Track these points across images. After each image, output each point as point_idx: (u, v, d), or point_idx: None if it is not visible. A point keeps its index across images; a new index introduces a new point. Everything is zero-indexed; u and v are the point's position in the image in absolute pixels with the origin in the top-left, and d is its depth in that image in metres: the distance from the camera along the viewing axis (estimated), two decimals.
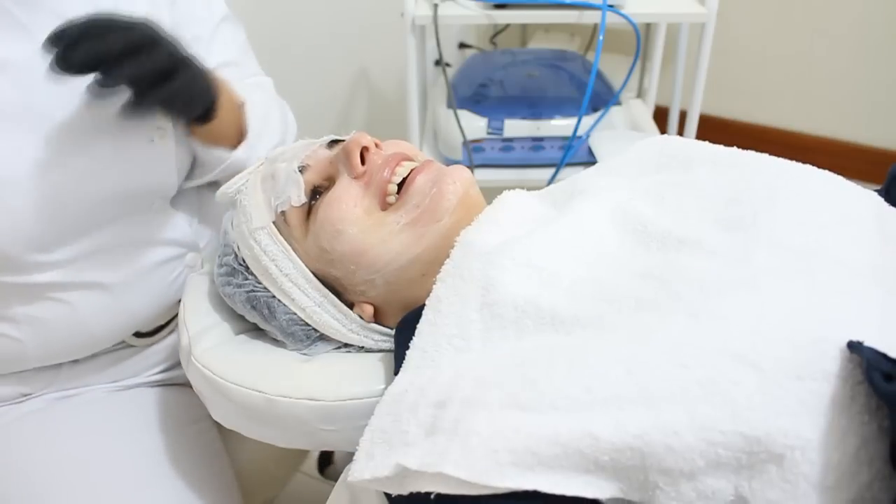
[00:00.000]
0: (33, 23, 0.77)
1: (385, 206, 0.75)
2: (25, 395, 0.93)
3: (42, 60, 0.77)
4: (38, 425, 0.91)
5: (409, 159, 0.78)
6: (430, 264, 0.72)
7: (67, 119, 0.80)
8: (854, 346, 0.48)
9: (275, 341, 0.82)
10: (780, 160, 0.71)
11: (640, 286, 0.60)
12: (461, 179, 0.76)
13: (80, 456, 0.88)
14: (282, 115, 1.03)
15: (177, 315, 1.01)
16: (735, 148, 0.74)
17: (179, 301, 1.00)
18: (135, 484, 0.87)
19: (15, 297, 0.84)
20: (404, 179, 0.76)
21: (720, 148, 0.75)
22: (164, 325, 1.00)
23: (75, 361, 0.94)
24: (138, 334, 0.98)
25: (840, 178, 0.68)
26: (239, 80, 0.98)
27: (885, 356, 0.47)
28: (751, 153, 0.73)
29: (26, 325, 0.86)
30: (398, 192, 0.75)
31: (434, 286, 0.68)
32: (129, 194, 0.86)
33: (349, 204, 0.74)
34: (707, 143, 0.76)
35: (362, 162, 0.76)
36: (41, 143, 0.78)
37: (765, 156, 0.72)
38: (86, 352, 0.93)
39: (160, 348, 1.01)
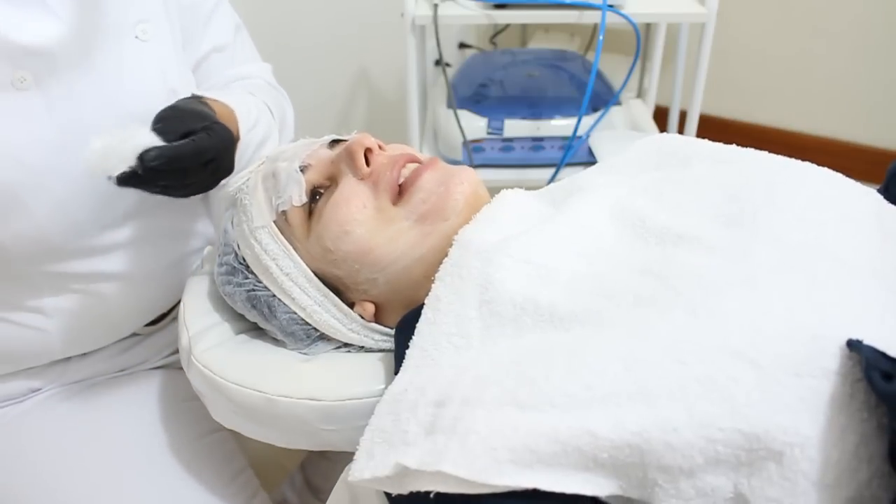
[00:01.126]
0: (63, 10, 0.79)
1: (396, 203, 0.75)
2: (35, 391, 0.94)
3: (73, 44, 0.78)
4: (51, 415, 0.92)
5: (416, 160, 0.78)
6: (433, 265, 0.71)
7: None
8: (853, 345, 0.48)
9: (275, 341, 0.82)
10: (780, 157, 0.71)
11: (639, 282, 0.60)
12: (469, 180, 0.76)
13: (89, 442, 0.90)
14: (278, 112, 1.03)
15: (178, 303, 1.02)
16: (735, 145, 0.74)
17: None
18: (143, 461, 0.89)
19: (48, 287, 0.86)
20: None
21: (720, 145, 0.75)
22: (167, 312, 1.03)
23: (84, 354, 0.96)
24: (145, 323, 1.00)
25: (840, 175, 0.68)
26: (230, 66, 1.00)
27: (884, 355, 0.47)
28: (750, 150, 0.73)
29: (56, 317, 0.87)
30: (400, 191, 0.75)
31: (433, 285, 0.68)
32: None
33: (358, 205, 0.74)
34: (706, 140, 0.76)
35: (367, 163, 0.76)
36: (77, 126, 0.80)
37: (764, 153, 0.72)
38: (104, 341, 0.96)
39: (163, 335, 1.03)
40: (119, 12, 0.85)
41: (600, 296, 0.60)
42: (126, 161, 0.68)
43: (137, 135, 0.70)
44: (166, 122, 0.74)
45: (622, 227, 0.67)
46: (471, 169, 0.78)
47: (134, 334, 1.00)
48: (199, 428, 0.95)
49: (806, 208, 0.62)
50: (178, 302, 1.02)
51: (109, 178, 0.70)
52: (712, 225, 0.63)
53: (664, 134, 0.84)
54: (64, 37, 0.79)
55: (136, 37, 0.86)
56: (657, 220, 0.65)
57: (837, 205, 0.63)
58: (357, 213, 0.73)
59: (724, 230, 0.62)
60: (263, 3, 1.57)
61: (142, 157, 0.68)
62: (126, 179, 0.69)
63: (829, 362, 0.49)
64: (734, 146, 0.74)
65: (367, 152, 0.76)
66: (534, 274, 0.63)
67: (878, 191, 0.71)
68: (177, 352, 1.03)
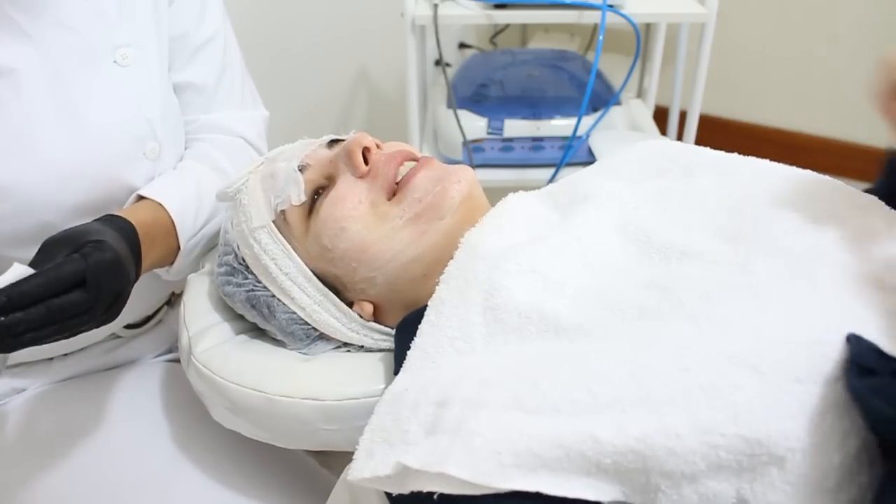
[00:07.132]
0: (35, 30, 0.77)
1: (391, 199, 0.75)
2: (18, 391, 0.94)
3: (44, 68, 0.76)
4: (37, 411, 0.91)
5: (412, 158, 0.78)
6: (432, 264, 0.72)
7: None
8: (850, 339, 0.49)
9: (275, 341, 0.82)
10: (780, 166, 0.71)
11: (644, 296, 0.60)
12: (465, 179, 0.76)
13: (78, 436, 0.88)
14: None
15: (163, 306, 1.03)
16: (735, 154, 0.74)
17: (168, 294, 1.01)
18: (135, 454, 0.87)
19: None
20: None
21: (720, 154, 0.75)
22: (152, 315, 1.01)
23: (65, 354, 0.95)
24: (127, 325, 0.99)
25: (839, 182, 0.68)
26: (207, 110, 0.96)
27: (877, 349, 0.47)
28: (750, 159, 0.73)
29: None
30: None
31: (437, 287, 0.68)
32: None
33: (353, 201, 0.74)
34: (707, 148, 0.76)
35: (365, 162, 0.76)
36: (28, 146, 0.77)
37: (764, 162, 0.72)
38: (77, 345, 0.94)
39: (150, 337, 1.02)
40: (96, 35, 0.81)
41: (605, 310, 0.60)
42: None
43: None
44: (46, 252, 0.65)
45: (627, 242, 0.68)
46: (468, 168, 0.78)
47: (116, 337, 0.99)
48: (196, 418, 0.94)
49: (805, 216, 0.63)
50: (162, 307, 1.02)
51: None
52: (714, 240, 0.64)
53: (664, 139, 0.84)
54: (35, 59, 0.76)
55: (115, 61, 0.82)
56: (661, 236, 0.66)
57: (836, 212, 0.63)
58: (352, 209, 0.73)
59: (725, 245, 0.63)
60: (264, 3, 1.57)
61: None
62: None
63: (830, 368, 0.49)
64: (735, 154, 0.74)
65: (365, 151, 0.76)
66: (540, 284, 0.63)
67: (878, 185, 0.71)
68: (169, 351, 1.03)
